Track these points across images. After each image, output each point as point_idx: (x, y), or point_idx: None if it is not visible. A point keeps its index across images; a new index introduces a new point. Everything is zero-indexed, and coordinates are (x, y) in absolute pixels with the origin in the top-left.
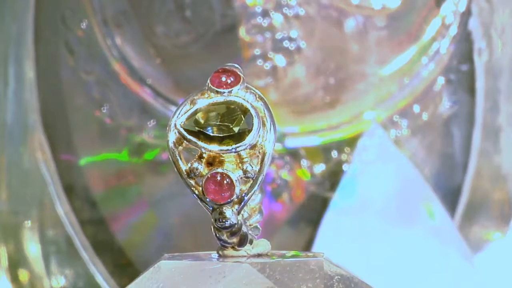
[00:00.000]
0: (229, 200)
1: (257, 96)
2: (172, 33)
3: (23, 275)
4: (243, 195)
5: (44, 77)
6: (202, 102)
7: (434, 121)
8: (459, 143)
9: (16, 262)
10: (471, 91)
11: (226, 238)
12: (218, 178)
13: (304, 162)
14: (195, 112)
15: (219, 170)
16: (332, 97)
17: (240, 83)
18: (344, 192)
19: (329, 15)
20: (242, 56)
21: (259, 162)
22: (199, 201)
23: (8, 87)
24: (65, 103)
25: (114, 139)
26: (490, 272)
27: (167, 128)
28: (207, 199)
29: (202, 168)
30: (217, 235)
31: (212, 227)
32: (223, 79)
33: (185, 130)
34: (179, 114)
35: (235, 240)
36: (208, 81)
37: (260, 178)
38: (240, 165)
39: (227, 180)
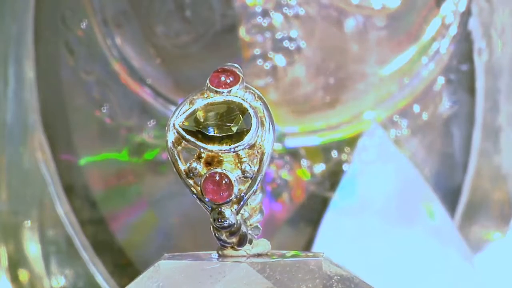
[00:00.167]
0: (227, 200)
1: (256, 96)
2: (172, 33)
3: (23, 275)
4: (242, 195)
5: (44, 77)
6: (201, 102)
7: (434, 121)
8: (459, 143)
9: (16, 262)
10: (471, 91)
11: (226, 238)
12: (217, 178)
13: (304, 162)
14: (194, 112)
15: (218, 170)
16: (332, 97)
17: (239, 83)
18: (344, 192)
19: (329, 15)
20: (242, 56)
21: (258, 162)
22: (198, 201)
23: (8, 87)
24: (65, 103)
25: (114, 139)
26: (490, 272)
27: (166, 128)
28: (206, 199)
29: (200, 168)
30: (217, 235)
31: (211, 227)
32: (222, 78)
33: (184, 130)
34: (178, 114)
35: (234, 240)
36: (208, 81)
37: (259, 178)
38: (238, 165)
39: (226, 180)
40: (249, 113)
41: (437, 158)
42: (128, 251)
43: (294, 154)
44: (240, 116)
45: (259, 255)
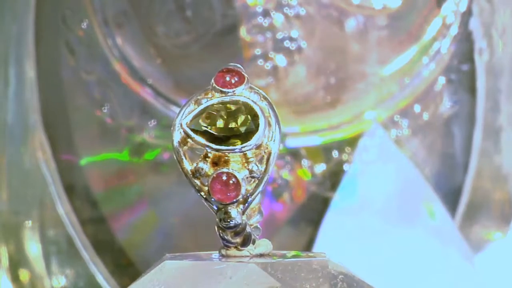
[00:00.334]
0: (235, 200)
1: (261, 96)
2: (172, 33)
3: (24, 275)
4: (248, 195)
5: (45, 77)
6: (208, 101)
7: (435, 121)
8: (459, 143)
9: (17, 262)
10: (472, 91)
11: (230, 238)
12: (224, 177)
13: (305, 162)
14: (201, 112)
15: (225, 170)
16: (332, 97)
17: (245, 83)
18: (344, 192)
19: (330, 15)
20: (243, 56)
21: (265, 162)
22: (203, 201)
23: (9, 87)
24: (66, 103)
25: (115, 139)
26: (490, 272)
27: (172, 128)
28: (213, 199)
29: (207, 168)
30: (221, 235)
31: (216, 227)
32: (227, 79)
33: (191, 130)
34: (183, 114)
35: (238, 240)
36: (212, 80)
37: (265, 178)
38: (245, 164)
39: (233, 179)
40: (256, 113)
41: (438, 158)
42: (128, 251)
43: (295, 154)
44: (248, 116)
45: (261, 255)
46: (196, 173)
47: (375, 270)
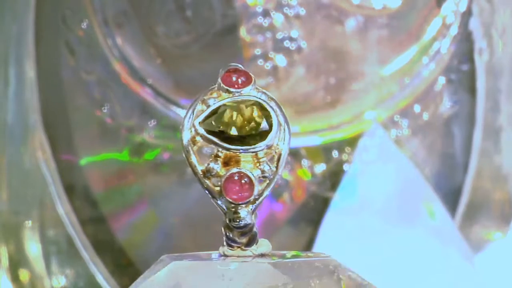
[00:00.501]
0: (247, 200)
1: (268, 96)
2: (172, 33)
3: (24, 275)
4: (258, 195)
5: (45, 77)
6: (219, 101)
7: (435, 121)
8: (459, 143)
9: (17, 262)
10: (472, 91)
11: (236, 238)
12: (236, 177)
13: (305, 162)
14: (213, 112)
15: (238, 170)
16: (332, 97)
17: (252, 83)
18: (344, 192)
19: (330, 15)
20: (243, 56)
21: (275, 162)
22: (213, 201)
23: (9, 87)
24: (66, 103)
25: (115, 139)
26: (490, 272)
27: (180, 127)
28: (224, 199)
29: (218, 168)
30: (228, 234)
31: (223, 226)
32: (234, 78)
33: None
34: (191, 114)
35: (244, 240)
36: (219, 80)
37: (276, 178)
38: (257, 164)
39: (246, 179)
40: (269, 113)
41: (438, 158)
42: (128, 251)
43: (294, 154)
44: (260, 116)
45: (262, 255)
46: (208, 173)
47: (375, 270)
